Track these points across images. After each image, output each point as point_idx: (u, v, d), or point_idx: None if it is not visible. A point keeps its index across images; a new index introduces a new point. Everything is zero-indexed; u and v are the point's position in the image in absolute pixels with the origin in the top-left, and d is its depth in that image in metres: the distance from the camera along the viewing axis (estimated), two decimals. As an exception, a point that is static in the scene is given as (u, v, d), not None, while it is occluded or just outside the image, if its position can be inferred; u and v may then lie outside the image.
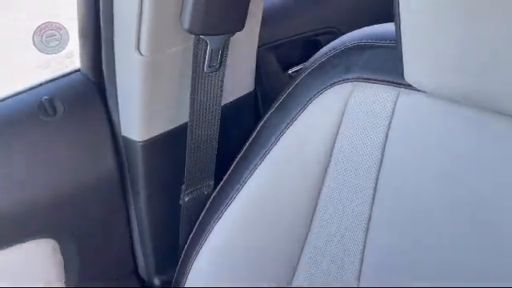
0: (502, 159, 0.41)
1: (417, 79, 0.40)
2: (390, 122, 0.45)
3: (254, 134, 0.56)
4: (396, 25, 0.39)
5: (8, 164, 0.55)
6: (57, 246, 0.60)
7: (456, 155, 0.44)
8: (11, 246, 0.57)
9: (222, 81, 0.56)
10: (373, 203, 0.48)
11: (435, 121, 0.44)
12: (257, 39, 0.62)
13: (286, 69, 0.75)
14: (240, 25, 0.53)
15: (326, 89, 0.49)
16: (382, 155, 0.47)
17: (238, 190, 0.54)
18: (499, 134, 0.41)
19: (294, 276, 0.54)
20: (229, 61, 0.56)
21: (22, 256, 0.59)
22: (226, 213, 0.55)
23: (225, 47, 0.53)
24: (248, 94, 0.65)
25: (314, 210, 0.52)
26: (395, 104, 0.45)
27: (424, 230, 0.47)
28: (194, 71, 0.53)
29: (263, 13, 0.65)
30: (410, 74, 0.41)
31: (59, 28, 0.54)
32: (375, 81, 0.46)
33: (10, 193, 0.55)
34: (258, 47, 0.66)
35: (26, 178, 0.56)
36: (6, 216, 0.55)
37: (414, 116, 0.44)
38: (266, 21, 0.67)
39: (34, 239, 0.58)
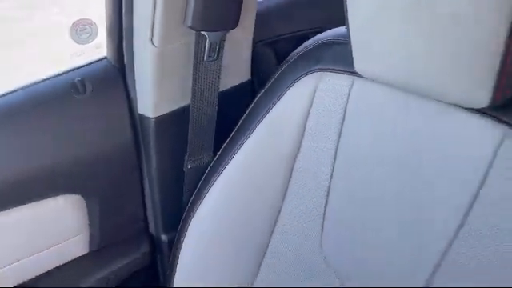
0: (436, 140, 0.50)
1: (362, 68, 0.51)
2: (346, 107, 0.55)
3: (245, 116, 0.67)
4: (346, 25, 0.50)
5: (44, 132, 0.68)
6: (83, 201, 0.73)
7: (398, 139, 0.52)
8: (45, 198, 0.69)
9: (220, 69, 0.67)
10: (331, 180, 0.58)
11: (381, 106, 0.53)
12: (251, 36, 0.73)
13: (281, 62, 0.86)
14: (234, 23, 0.64)
15: (300, 77, 0.60)
16: (339, 137, 0.56)
17: (232, 157, 0.65)
18: (433, 118, 0.49)
19: (274, 227, 0.64)
20: (226, 53, 0.68)
21: (55, 208, 0.71)
22: (221, 175, 0.66)
23: (221, 41, 0.65)
24: (245, 82, 0.77)
25: (290, 177, 0.62)
26: (350, 90, 0.55)
27: (372, 210, 0.55)
28: (196, 60, 0.64)
29: (264, 13, 0.76)
30: (357, 64, 0.51)
31: (90, 23, 0.67)
32: (337, 70, 0.56)
33: (45, 155, 0.67)
34: (258, 42, 0.78)
35: (59, 144, 0.68)
36: (42, 173, 0.68)
37: (363, 101, 0.54)
38: (265, 20, 0.78)
39: (65, 194, 0.71)
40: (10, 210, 0.67)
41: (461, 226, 0.47)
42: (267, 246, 0.65)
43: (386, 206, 0.54)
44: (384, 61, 0.48)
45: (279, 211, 0.63)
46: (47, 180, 0.68)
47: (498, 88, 0.40)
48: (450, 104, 0.47)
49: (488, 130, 0.45)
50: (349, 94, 0.55)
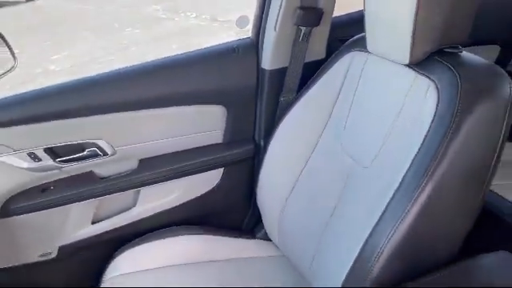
0: (386, 83, 1.02)
1: (370, 47, 1.05)
2: (361, 72, 1.08)
3: (312, 78, 1.22)
4: (364, 23, 1.05)
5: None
6: (225, 110, 1.33)
7: (376, 87, 1.04)
8: (205, 104, 1.26)
9: (307, 47, 1.26)
10: (350, 108, 1.10)
11: (372, 70, 1.06)
12: (327, 32, 1.30)
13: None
14: (317, 23, 1.23)
15: (343, 56, 1.14)
16: (356, 88, 1.09)
17: (298, 101, 1.21)
18: (386, 71, 1.02)
19: (322, 133, 1.17)
20: (311, 39, 1.26)
21: (210, 111, 1.27)
22: (294, 107, 1.22)
23: (309, 32, 1.24)
24: (320, 59, 1.33)
25: (329, 118, 1.14)
26: (365, 63, 1.08)
27: (366, 117, 1.06)
28: (294, 40, 1.24)
29: (340, 22, 1.34)
30: (368, 45, 1.05)
31: (245, 18, 1.32)
32: (360, 50, 1.11)
33: (212, 83, 1.29)
34: (334, 39, 1.34)
35: (217, 78, 1.31)
36: (207, 90, 1.24)
37: (368, 69, 1.07)
38: (340, 26, 1.36)
39: (216, 104, 1.27)
40: (184, 106, 1.25)
41: (392, 125, 0.98)
42: (315, 146, 1.17)
43: (371, 115, 1.06)
44: (379, 41, 1.03)
45: (325, 125, 1.17)
46: (209, 94, 1.25)
47: (413, 51, 0.92)
48: (394, 62, 0.99)
49: (407, 75, 0.96)
50: (364, 65, 1.10)
